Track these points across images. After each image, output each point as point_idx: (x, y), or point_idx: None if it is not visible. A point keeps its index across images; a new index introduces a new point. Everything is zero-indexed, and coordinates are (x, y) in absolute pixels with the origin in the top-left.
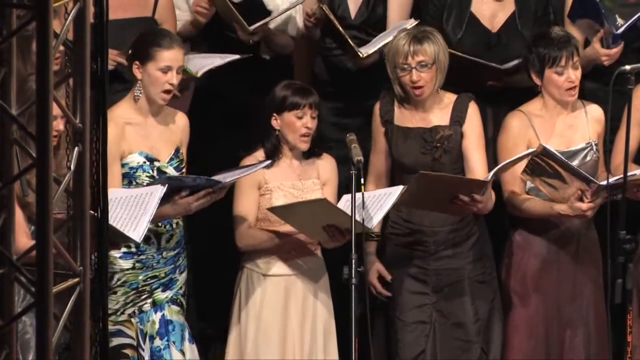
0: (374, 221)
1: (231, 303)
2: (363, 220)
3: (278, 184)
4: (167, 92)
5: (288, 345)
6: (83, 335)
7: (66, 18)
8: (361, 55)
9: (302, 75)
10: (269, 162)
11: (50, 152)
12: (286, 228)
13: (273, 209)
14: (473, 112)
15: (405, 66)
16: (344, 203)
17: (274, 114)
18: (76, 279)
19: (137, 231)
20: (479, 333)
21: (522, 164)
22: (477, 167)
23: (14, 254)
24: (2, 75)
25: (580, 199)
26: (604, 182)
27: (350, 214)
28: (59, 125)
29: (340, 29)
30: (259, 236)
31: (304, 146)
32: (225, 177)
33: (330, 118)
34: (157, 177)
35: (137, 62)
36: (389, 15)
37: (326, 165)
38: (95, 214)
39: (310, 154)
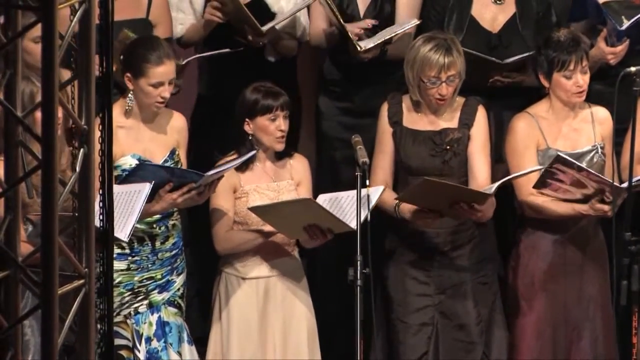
0: (354, 223)
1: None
2: (367, 218)
3: (254, 186)
4: (160, 102)
5: (269, 347)
6: (88, 337)
7: (71, 19)
8: (359, 48)
9: (309, 75)
10: (255, 152)
11: (55, 153)
12: (264, 228)
13: (254, 209)
14: (481, 116)
15: (436, 80)
16: (330, 203)
17: (246, 119)
18: (81, 281)
19: (124, 231)
20: (482, 335)
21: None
22: (481, 171)
23: (19, 256)
24: (8, 76)
25: (602, 200)
26: (625, 185)
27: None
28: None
29: (341, 20)
30: (238, 238)
31: (280, 147)
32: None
33: (338, 118)
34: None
35: (128, 75)
36: (397, 14)
37: (298, 166)
38: (101, 215)
39: (282, 155)
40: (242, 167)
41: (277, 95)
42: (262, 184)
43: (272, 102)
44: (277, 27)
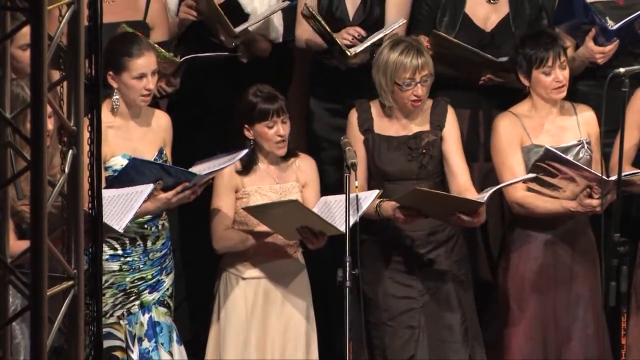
0: (345, 225)
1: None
2: (357, 222)
3: (256, 187)
4: (146, 96)
5: (267, 347)
6: (78, 338)
7: (60, 21)
8: (349, 54)
9: (299, 75)
10: (246, 151)
11: (44, 155)
12: (262, 229)
13: (248, 209)
14: (451, 115)
15: (410, 81)
16: (321, 206)
17: (245, 125)
18: (70, 282)
19: (119, 224)
20: (467, 333)
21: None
22: (459, 170)
23: (8, 257)
24: None
25: (590, 195)
26: (613, 177)
27: (323, 217)
28: (47, 124)
29: (327, 27)
30: (234, 237)
31: (281, 152)
32: (202, 170)
33: (326, 119)
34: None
35: (110, 72)
36: (386, 16)
37: (305, 167)
38: (91, 213)
39: (288, 156)
40: (245, 170)
41: (273, 100)
42: (265, 185)
43: (268, 108)
44: (250, 29)
